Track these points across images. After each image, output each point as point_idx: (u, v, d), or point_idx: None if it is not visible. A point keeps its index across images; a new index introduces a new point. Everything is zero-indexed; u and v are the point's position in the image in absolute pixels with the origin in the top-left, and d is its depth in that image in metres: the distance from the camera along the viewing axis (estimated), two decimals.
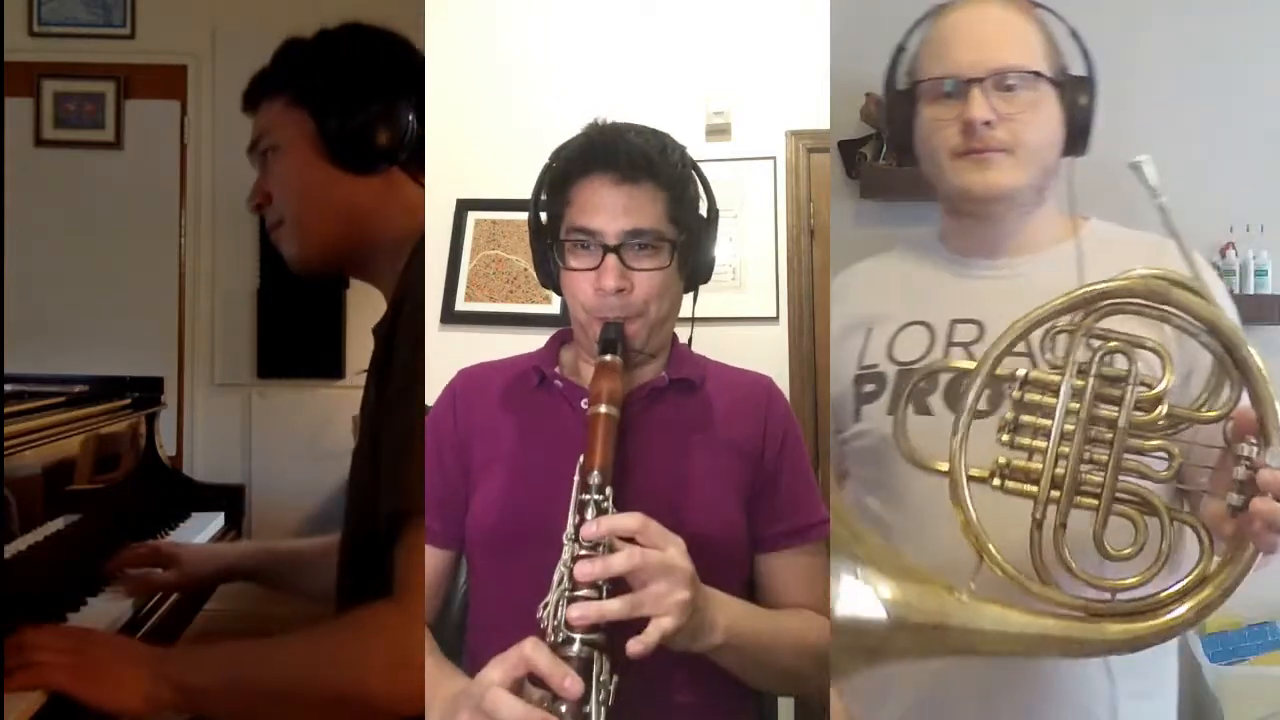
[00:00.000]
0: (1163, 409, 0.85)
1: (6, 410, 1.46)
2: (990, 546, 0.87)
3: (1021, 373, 0.88)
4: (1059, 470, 0.86)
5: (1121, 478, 0.86)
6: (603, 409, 0.99)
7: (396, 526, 0.94)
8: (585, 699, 0.83)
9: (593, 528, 0.88)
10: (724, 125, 2.85)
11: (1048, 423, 0.87)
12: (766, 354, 2.65)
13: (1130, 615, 0.85)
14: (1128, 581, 0.86)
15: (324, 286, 3.40)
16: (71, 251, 3.30)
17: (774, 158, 2.82)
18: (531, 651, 0.83)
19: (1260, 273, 2.24)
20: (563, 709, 0.82)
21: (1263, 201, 2.22)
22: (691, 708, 1.07)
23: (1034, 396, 0.88)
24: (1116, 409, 0.86)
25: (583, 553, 0.88)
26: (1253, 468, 0.81)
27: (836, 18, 2.07)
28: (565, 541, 0.91)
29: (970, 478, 0.87)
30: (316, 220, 1.10)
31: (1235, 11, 2.21)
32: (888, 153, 2.24)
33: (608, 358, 1.05)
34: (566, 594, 0.87)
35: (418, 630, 0.92)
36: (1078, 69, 1.11)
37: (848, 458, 1.18)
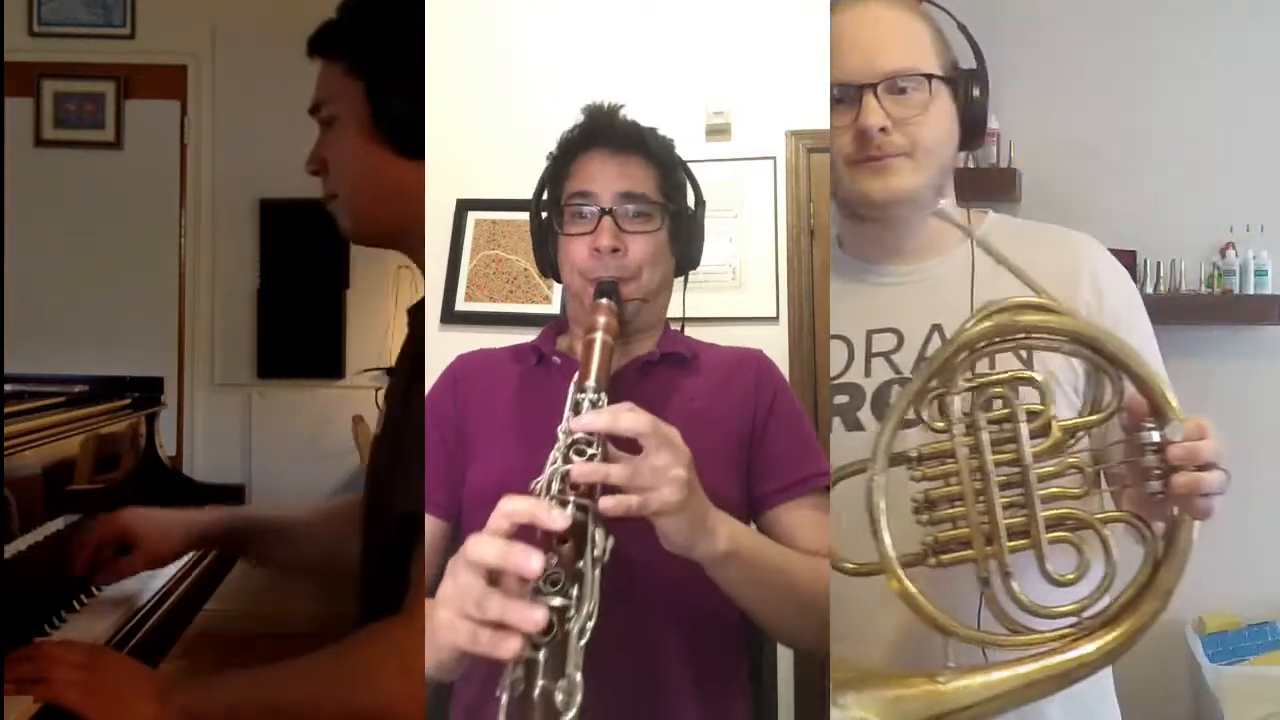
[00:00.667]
0: (1055, 430, 0.89)
1: (6, 410, 1.46)
2: (949, 621, 0.89)
3: (913, 453, 0.90)
4: (985, 526, 0.88)
5: (1045, 508, 0.88)
6: (598, 335, 1.00)
7: (411, 530, 0.94)
8: (580, 554, 0.82)
9: (585, 419, 0.88)
10: (724, 125, 2.85)
11: (958, 488, 0.89)
12: (766, 354, 2.65)
13: (1106, 626, 0.88)
14: (1083, 599, 0.89)
15: (324, 286, 3.41)
16: (71, 251, 3.31)
17: (774, 158, 2.82)
18: (509, 503, 0.80)
19: (1260, 273, 2.24)
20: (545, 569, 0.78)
21: (1263, 201, 2.23)
22: (686, 679, 1.08)
23: (933, 468, 0.90)
24: (1014, 447, 0.89)
25: (577, 436, 0.87)
26: (1160, 449, 0.86)
27: (837, 18, 2.08)
28: (559, 435, 0.90)
29: (906, 565, 0.89)
30: (368, 202, 1.10)
31: (1235, 12, 2.21)
32: None
33: (603, 301, 1.08)
34: (559, 472, 0.86)
35: (419, 646, 0.91)
36: (967, 63, 1.09)
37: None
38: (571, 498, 0.84)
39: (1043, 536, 0.88)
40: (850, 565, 0.93)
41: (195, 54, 3.41)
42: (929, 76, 1.05)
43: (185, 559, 1.66)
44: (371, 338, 3.42)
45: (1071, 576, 0.88)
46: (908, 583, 0.88)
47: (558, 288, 2.80)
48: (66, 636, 1.27)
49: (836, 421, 1.06)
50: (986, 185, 2.15)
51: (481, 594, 0.75)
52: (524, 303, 2.88)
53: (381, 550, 1.04)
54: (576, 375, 0.96)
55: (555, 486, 0.85)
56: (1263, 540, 2.14)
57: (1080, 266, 1.07)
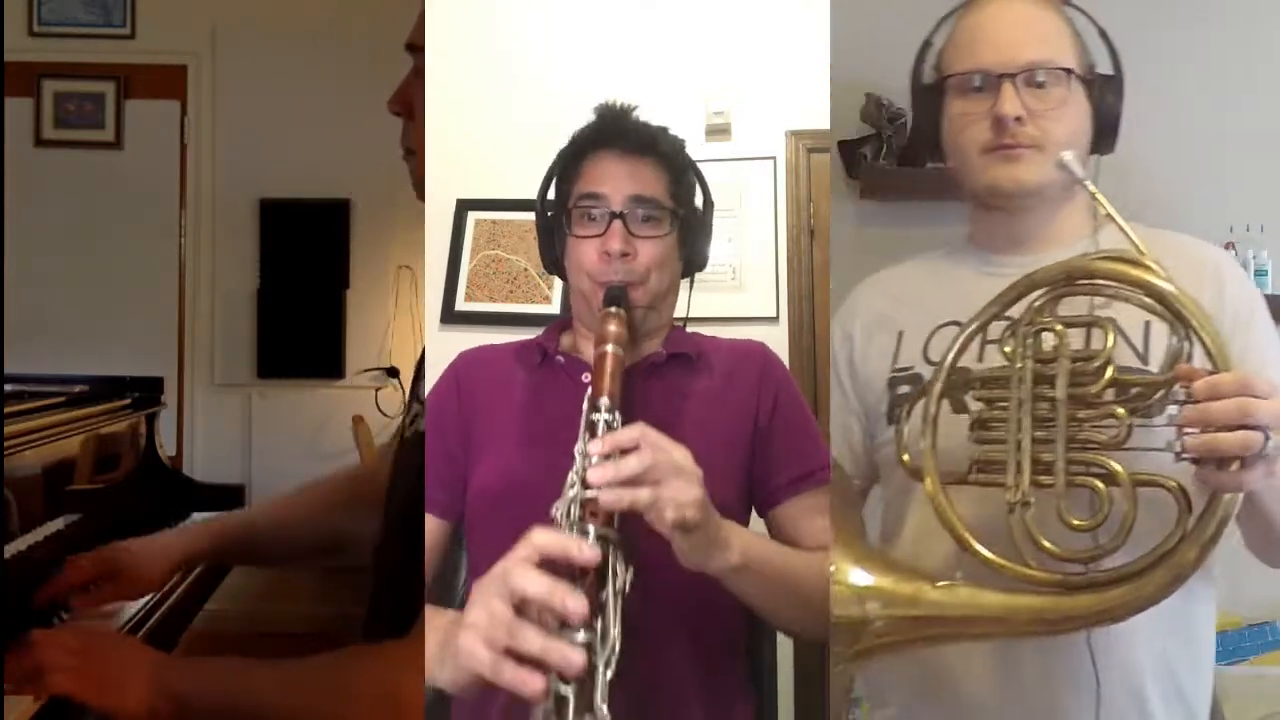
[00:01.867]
0: (1108, 374, 0.88)
1: (6, 410, 1.46)
2: (968, 535, 0.90)
3: (977, 374, 0.93)
4: (1019, 455, 0.90)
5: (1077, 451, 0.88)
6: (609, 348, 1.01)
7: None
8: (601, 587, 0.82)
9: (598, 444, 0.89)
10: (724, 125, 2.85)
11: (1004, 413, 0.91)
12: None
13: (1104, 585, 0.86)
14: (1091, 551, 0.87)
15: (324, 286, 3.41)
16: (71, 251, 3.31)
17: (774, 158, 2.82)
18: (540, 536, 0.81)
19: (1260, 273, 2.24)
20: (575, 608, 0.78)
21: (1263, 201, 2.22)
22: (690, 681, 1.08)
23: (990, 392, 0.93)
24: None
25: (593, 463, 0.88)
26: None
27: (836, 18, 2.07)
28: (576, 455, 0.91)
29: (951, 478, 0.92)
30: None
31: (1235, 12, 2.21)
32: (887, 153, 2.24)
33: (612, 309, 1.09)
34: (580, 498, 0.87)
35: (417, 668, 0.92)
36: (1104, 68, 1.11)
37: (881, 465, 1.18)
38: (591, 526, 0.85)
39: (1062, 477, 0.88)
40: (906, 459, 0.97)
41: (195, 54, 3.41)
42: (1068, 71, 1.06)
43: None
44: (371, 338, 3.42)
45: (1080, 523, 0.87)
46: (939, 488, 0.92)
47: (558, 287, 2.80)
48: None
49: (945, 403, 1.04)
50: None
51: (514, 626, 0.76)
52: (524, 302, 2.88)
53: (400, 554, 1.05)
54: (589, 391, 0.97)
55: (575, 512, 0.86)
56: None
57: (1204, 265, 1.07)
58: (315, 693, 0.93)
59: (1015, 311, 0.96)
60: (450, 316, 2.90)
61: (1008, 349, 0.93)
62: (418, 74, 1.06)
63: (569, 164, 1.21)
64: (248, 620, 3.25)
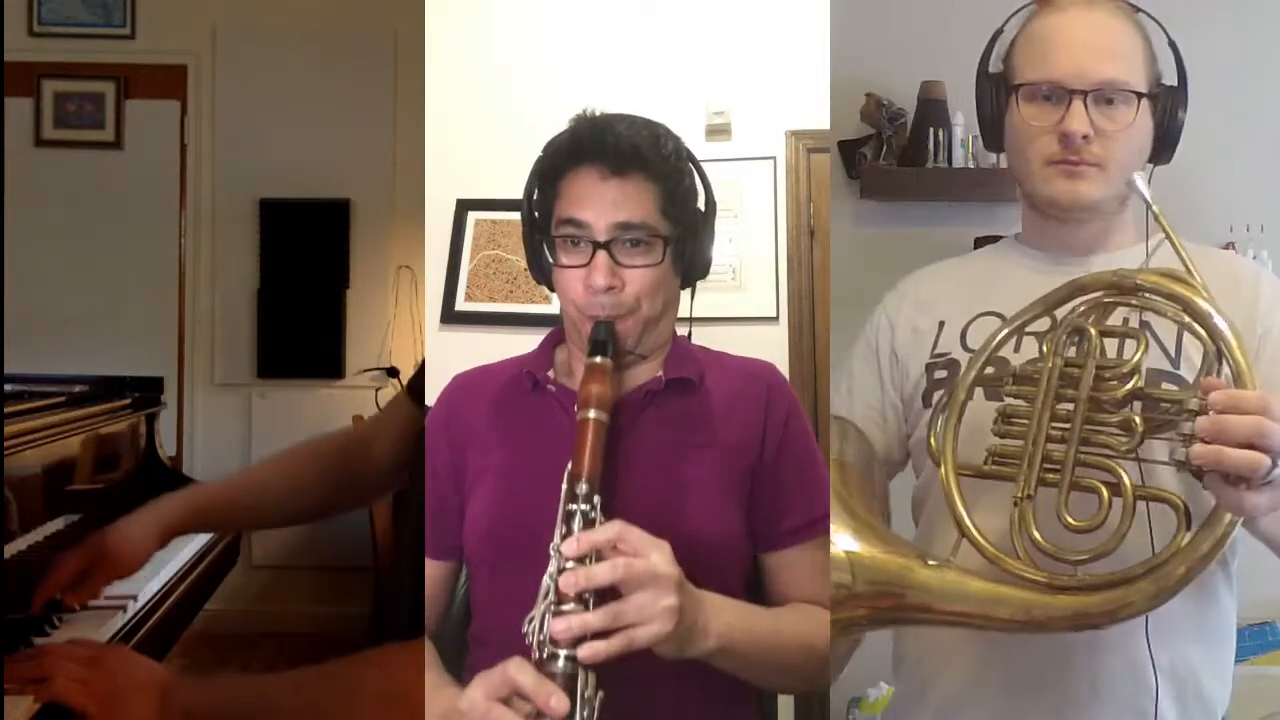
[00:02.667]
0: (1130, 385, 0.89)
1: (6, 410, 1.46)
2: (968, 520, 0.91)
3: (1010, 370, 0.94)
4: (1032, 451, 0.91)
5: (1090, 453, 0.89)
6: (591, 414, 0.96)
7: None
8: (571, 716, 0.83)
9: (572, 545, 0.87)
10: (724, 125, 2.85)
11: (1027, 407, 0.93)
12: (766, 354, 2.61)
13: (1088, 589, 0.86)
14: (1082, 552, 0.87)
15: (324, 286, 3.41)
16: (71, 251, 3.31)
17: (774, 158, 2.82)
18: (515, 671, 0.82)
19: None
20: None
21: (1263, 201, 2.22)
22: (684, 710, 1.06)
23: (1020, 388, 0.94)
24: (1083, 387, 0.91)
25: (568, 565, 0.87)
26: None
27: (836, 18, 2.07)
28: (551, 553, 0.89)
29: (969, 470, 0.94)
30: None
31: (1235, 13, 2.21)
32: (887, 153, 2.24)
33: (597, 359, 1.03)
34: (552, 608, 0.86)
35: (418, 667, 0.92)
36: (1170, 78, 1.11)
37: (914, 450, 1.18)
38: (561, 652, 0.84)
39: (1068, 474, 0.89)
40: (933, 443, 0.99)
41: (195, 54, 3.41)
42: (1139, 95, 1.06)
43: (185, 559, 1.66)
44: (371, 338, 3.42)
45: (1075, 522, 0.88)
46: (952, 470, 0.94)
47: None
48: (67, 636, 1.27)
49: (979, 391, 1.04)
50: (989, 185, 2.15)
51: None
52: (524, 303, 2.88)
53: (412, 552, 1.05)
54: (569, 468, 0.94)
55: (547, 632, 0.86)
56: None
57: (1241, 279, 1.07)
58: (325, 698, 0.93)
59: (1060, 314, 0.97)
60: (450, 316, 2.91)
61: (1044, 348, 0.94)
62: None
63: (546, 180, 1.11)
64: (248, 620, 3.25)
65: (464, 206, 2.96)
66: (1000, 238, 1.27)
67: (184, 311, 3.42)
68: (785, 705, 2.38)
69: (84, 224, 3.33)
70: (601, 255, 1.05)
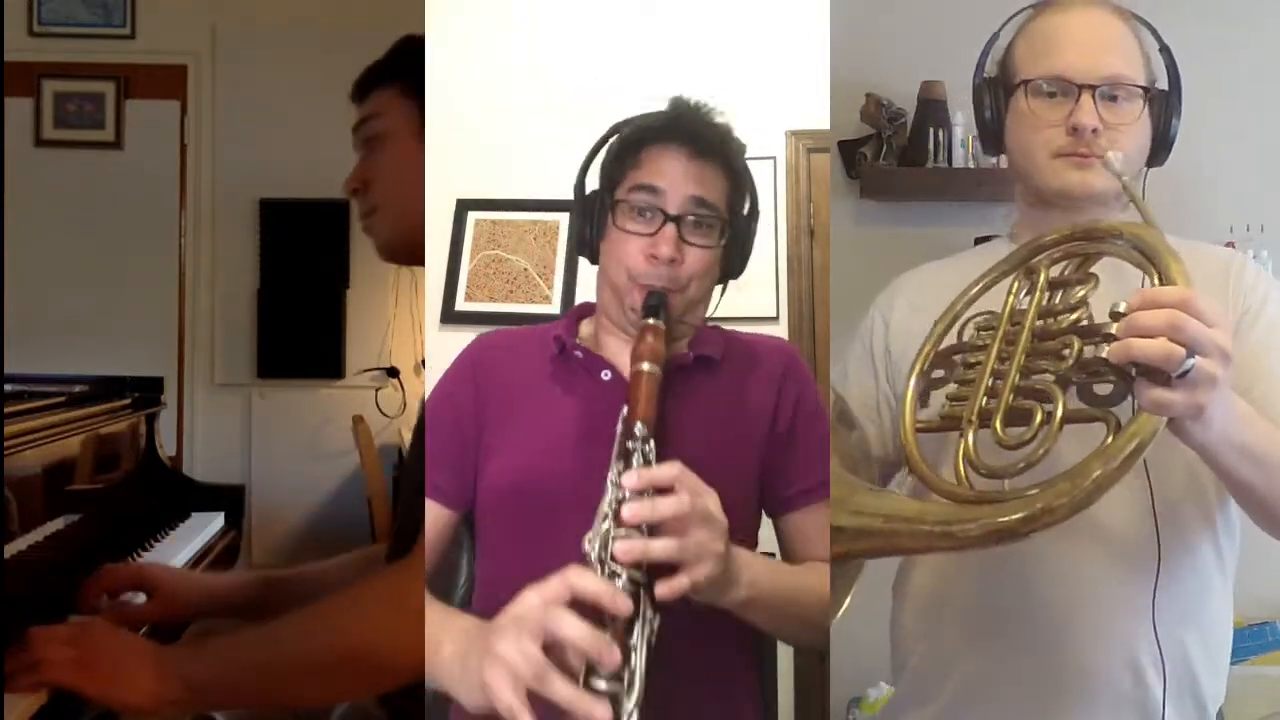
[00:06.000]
0: (1074, 315, 0.92)
1: (6, 410, 1.46)
2: (915, 449, 0.95)
3: (968, 336, 1.01)
4: (982, 381, 0.94)
5: (1032, 384, 0.90)
6: (645, 366, 1.00)
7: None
8: (630, 631, 0.83)
9: (633, 478, 0.88)
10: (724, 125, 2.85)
11: (984, 346, 0.98)
12: None
13: (1006, 500, 0.84)
14: (1009, 467, 0.88)
15: (324, 286, 3.41)
16: (71, 251, 3.30)
17: (774, 158, 2.82)
18: (575, 577, 0.82)
19: None
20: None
21: (1263, 201, 2.23)
22: (690, 666, 1.07)
23: (978, 333, 1.00)
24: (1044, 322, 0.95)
25: (625, 497, 0.88)
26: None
27: (836, 18, 2.07)
28: (609, 486, 0.91)
29: (926, 426, 0.99)
30: (415, 210, 1.13)
31: (1235, 13, 2.21)
32: (887, 153, 2.24)
33: (650, 320, 1.06)
34: (611, 533, 0.87)
35: (418, 587, 0.92)
36: (1162, 83, 1.14)
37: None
38: (623, 573, 0.85)
39: (1006, 394, 0.91)
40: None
41: (195, 54, 3.41)
42: (1144, 89, 1.10)
43: (186, 560, 1.66)
44: (371, 338, 3.42)
45: (1006, 438, 0.89)
46: (910, 413, 1.00)
47: (558, 287, 2.79)
48: None
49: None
50: (989, 185, 2.15)
51: (544, 672, 0.77)
52: (524, 303, 2.87)
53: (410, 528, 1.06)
54: (624, 412, 0.96)
55: (609, 550, 0.86)
56: (1262, 539, 2.14)
57: (1214, 263, 1.10)
58: (317, 636, 0.92)
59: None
60: (450, 316, 2.90)
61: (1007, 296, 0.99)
62: (367, 154, 1.15)
63: (628, 148, 1.16)
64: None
65: (464, 206, 2.96)
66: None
67: (184, 311, 3.42)
68: (785, 705, 2.38)
69: (84, 224, 3.32)
70: (670, 227, 1.10)
